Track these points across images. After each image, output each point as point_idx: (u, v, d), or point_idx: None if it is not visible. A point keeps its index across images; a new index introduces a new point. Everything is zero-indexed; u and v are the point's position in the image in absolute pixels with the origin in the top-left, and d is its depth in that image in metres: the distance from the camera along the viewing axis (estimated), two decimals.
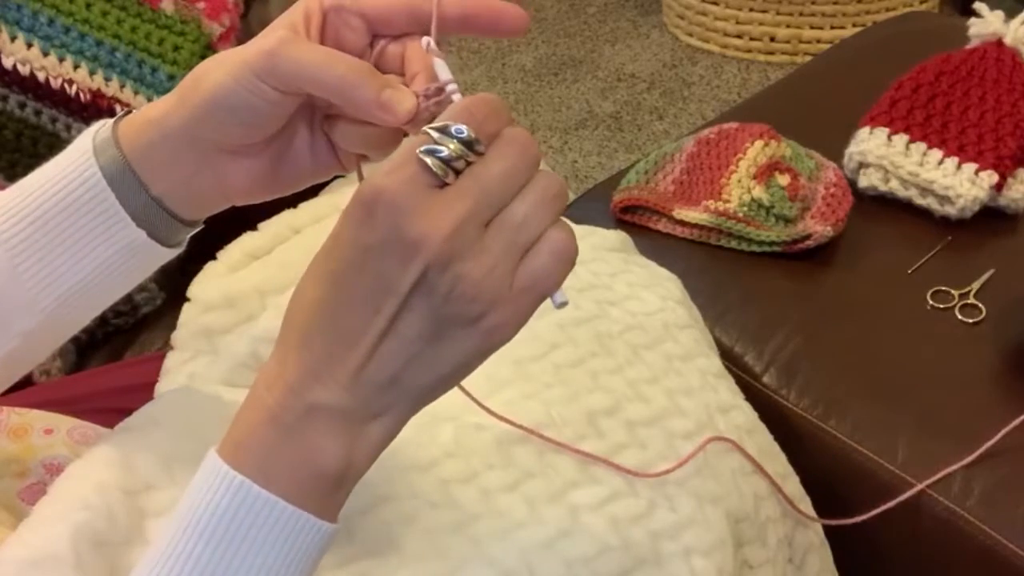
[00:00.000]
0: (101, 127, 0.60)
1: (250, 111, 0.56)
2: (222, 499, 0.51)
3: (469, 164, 0.48)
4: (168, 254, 0.63)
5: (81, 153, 0.60)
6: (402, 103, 0.53)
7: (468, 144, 0.48)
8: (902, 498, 0.94)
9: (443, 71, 0.54)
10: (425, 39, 0.55)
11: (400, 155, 0.48)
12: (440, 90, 0.54)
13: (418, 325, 0.49)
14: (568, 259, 0.51)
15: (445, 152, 0.48)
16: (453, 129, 0.48)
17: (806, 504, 0.91)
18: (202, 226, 0.65)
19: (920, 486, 0.95)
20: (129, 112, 0.61)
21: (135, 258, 0.62)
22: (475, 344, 0.51)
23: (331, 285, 0.50)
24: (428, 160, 0.47)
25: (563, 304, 0.52)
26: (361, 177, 0.60)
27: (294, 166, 0.61)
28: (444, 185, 0.48)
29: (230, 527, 0.51)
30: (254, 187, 0.61)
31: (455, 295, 0.48)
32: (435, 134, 0.48)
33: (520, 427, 0.75)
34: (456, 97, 0.53)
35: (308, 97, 0.58)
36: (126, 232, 0.60)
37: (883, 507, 0.94)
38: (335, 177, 0.63)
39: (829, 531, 0.92)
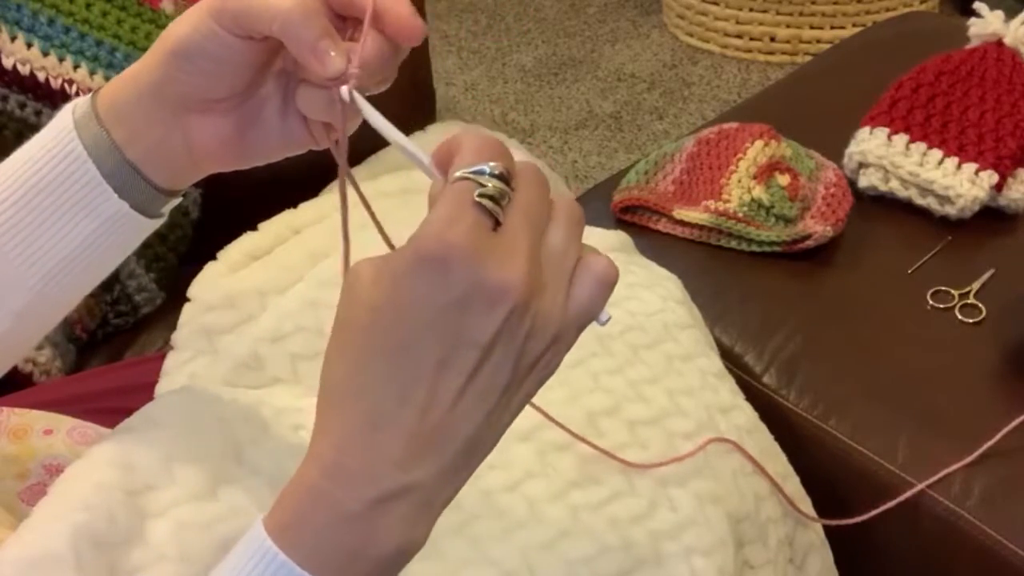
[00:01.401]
0: (79, 101, 0.61)
1: (210, 59, 0.57)
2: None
3: (509, 200, 0.48)
4: (150, 226, 0.63)
5: (62, 127, 0.60)
6: (334, 62, 0.53)
7: (505, 180, 0.48)
8: (902, 498, 0.94)
9: (373, 118, 0.53)
10: (344, 89, 0.53)
11: (452, 205, 0.47)
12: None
13: (498, 375, 0.48)
14: (611, 284, 0.51)
15: (491, 191, 0.47)
16: (487, 169, 0.48)
17: (807, 504, 0.91)
18: (180, 198, 0.65)
19: (920, 486, 0.95)
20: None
21: (119, 231, 0.62)
22: (537, 381, 0.50)
23: (399, 357, 0.47)
24: (485, 203, 0.47)
25: (607, 320, 0.51)
26: (340, 160, 0.57)
27: (263, 133, 0.61)
28: (497, 224, 0.48)
29: None
30: (223, 151, 0.61)
31: (533, 333, 0.48)
32: (474, 176, 0.47)
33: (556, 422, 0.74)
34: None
35: (279, 59, 0.59)
36: (108, 204, 0.60)
37: (883, 507, 0.94)
38: (334, 176, 0.63)
39: (829, 531, 0.92)
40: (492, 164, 0.48)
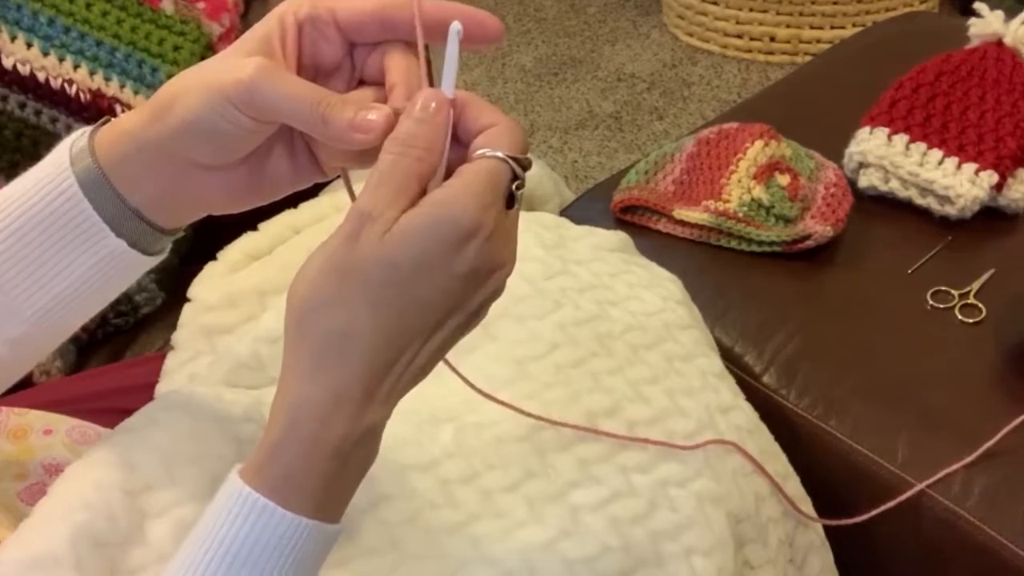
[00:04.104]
0: (78, 137, 0.60)
1: (226, 137, 0.56)
2: (296, 542, 0.52)
3: None
4: (150, 262, 0.63)
5: (58, 164, 0.59)
6: (375, 124, 0.53)
7: (527, 171, 0.52)
8: (902, 498, 0.94)
9: (449, 71, 0.54)
10: (455, 25, 0.54)
11: (490, 185, 0.51)
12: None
13: (468, 331, 0.54)
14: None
15: (523, 184, 0.52)
16: (524, 162, 0.52)
17: (807, 505, 0.91)
18: (183, 233, 0.64)
19: (920, 486, 0.95)
20: (107, 122, 0.60)
21: (117, 267, 0.61)
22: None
23: (408, 315, 0.51)
24: (516, 195, 0.52)
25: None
26: (351, 192, 0.59)
27: (274, 177, 0.60)
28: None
29: (291, 565, 0.52)
30: (233, 199, 0.61)
31: (501, 289, 0.54)
32: (515, 165, 0.51)
33: (533, 416, 0.75)
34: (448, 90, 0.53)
35: None
36: (106, 242, 0.60)
37: (883, 507, 0.94)
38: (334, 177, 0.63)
39: (829, 531, 0.92)
40: (527, 158, 0.52)
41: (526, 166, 0.52)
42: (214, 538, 0.52)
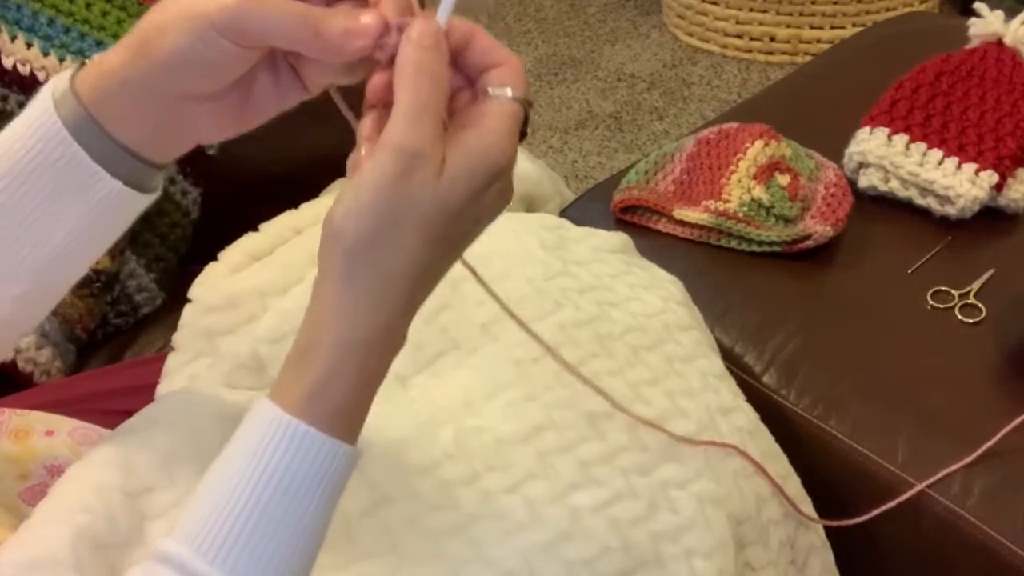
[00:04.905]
0: (58, 82, 0.59)
1: (212, 65, 0.56)
2: (337, 468, 0.54)
3: None
4: (146, 200, 0.62)
5: (42, 111, 0.58)
6: (369, 27, 0.54)
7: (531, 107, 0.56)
8: (902, 498, 0.94)
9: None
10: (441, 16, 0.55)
11: (510, 125, 0.54)
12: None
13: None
14: None
15: (529, 125, 0.56)
16: (529, 101, 0.55)
17: (807, 505, 0.91)
18: (175, 167, 0.64)
19: (920, 486, 0.95)
20: (84, 64, 0.59)
21: (114, 209, 0.61)
22: None
23: (453, 246, 0.55)
24: (526, 133, 0.55)
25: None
26: (345, 110, 0.60)
27: (261, 102, 0.60)
28: None
29: (331, 489, 0.55)
30: (222, 128, 0.61)
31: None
32: (524, 104, 0.55)
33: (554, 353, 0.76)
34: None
35: None
36: (101, 184, 0.59)
37: (883, 507, 0.94)
38: (335, 177, 0.63)
39: (830, 531, 0.92)
40: (530, 98, 0.55)
41: (531, 104, 0.56)
42: (259, 468, 0.52)
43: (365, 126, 0.55)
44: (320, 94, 0.61)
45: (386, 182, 0.51)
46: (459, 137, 0.53)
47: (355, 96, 0.60)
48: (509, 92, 0.54)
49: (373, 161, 0.52)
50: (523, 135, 0.56)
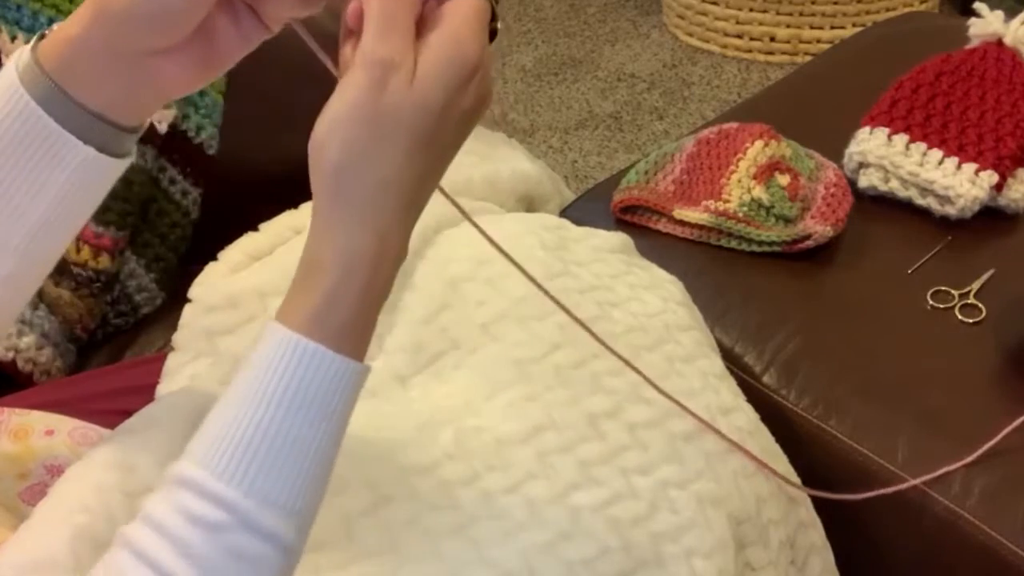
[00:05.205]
0: (19, 56, 0.59)
1: (171, 12, 0.56)
2: (347, 384, 0.55)
3: None
4: (121, 165, 0.62)
5: (8, 86, 0.58)
6: None
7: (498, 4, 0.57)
8: (902, 487, 0.94)
9: None
10: None
11: (479, 23, 0.54)
12: None
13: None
14: None
15: (498, 23, 0.56)
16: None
17: (806, 504, 0.91)
18: (144, 128, 0.64)
19: (914, 482, 0.94)
20: (43, 37, 0.59)
21: (91, 176, 0.61)
22: None
23: (437, 153, 0.55)
24: (496, 28, 0.56)
25: None
26: (310, 41, 0.60)
27: (224, 47, 0.61)
28: None
29: (341, 406, 0.55)
30: (190, 79, 0.61)
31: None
32: (492, 3, 0.55)
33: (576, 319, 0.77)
34: None
35: None
36: (75, 152, 0.59)
37: (878, 491, 0.94)
38: None
39: (830, 532, 0.92)
40: None
41: (498, 1, 0.56)
42: (268, 387, 0.53)
43: (346, 53, 0.56)
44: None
45: (361, 94, 0.53)
46: (427, 40, 0.54)
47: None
48: None
49: (347, 77, 0.53)
50: (493, 33, 0.56)
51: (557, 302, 0.74)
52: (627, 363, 0.78)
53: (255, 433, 0.52)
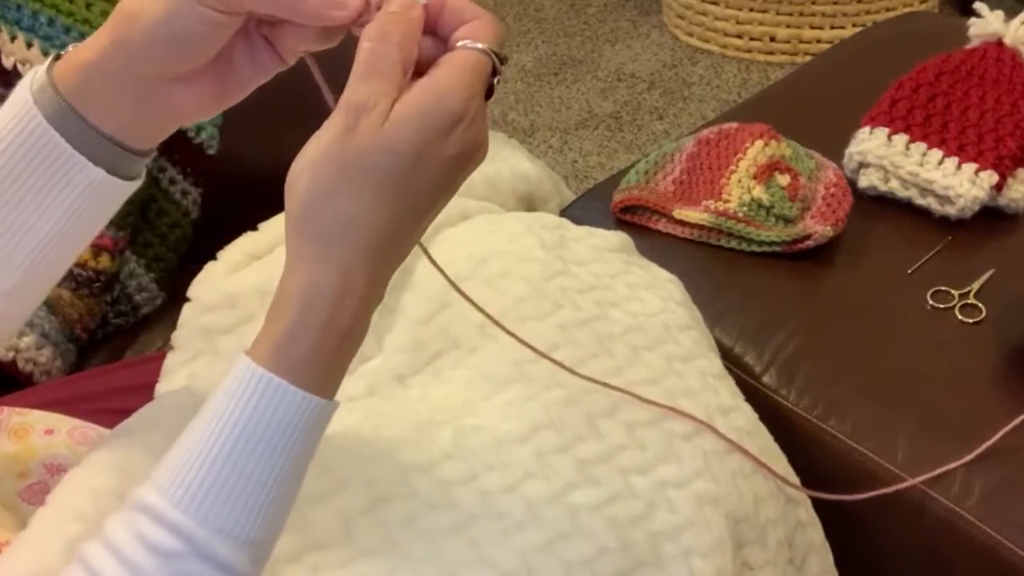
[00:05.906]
0: (34, 76, 0.60)
1: (192, 38, 0.57)
2: (307, 421, 0.55)
3: None
4: (130, 188, 0.63)
5: (22, 105, 0.59)
6: (352, 3, 0.55)
7: (504, 64, 0.56)
8: (894, 487, 0.94)
9: None
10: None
11: (475, 75, 0.54)
12: None
13: (447, 203, 0.57)
14: None
15: (501, 78, 0.56)
16: (504, 56, 0.56)
17: (806, 505, 0.91)
18: (156, 153, 0.65)
19: (913, 481, 0.94)
20: (59, 57, 0.60)
21: (99, 198, 0.61)
22: None
23: (408, 199, 0.54)
24: (495, 85, 0.55)
25: None
26: (317, 74, 0.60)
27: (239, 77, 0.61)
28: None
29: (301, 441, 0.55)
30: (203, 107, 0.62)
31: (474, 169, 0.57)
32: (496, 57, 0.55)
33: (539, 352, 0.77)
34: None
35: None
36: (85, 174, 0.60)
37: (877, 491, 0.94)
38: None
39: (829, 531, 0.92)
40: (503, 52, 0.55)
41: (504, 60, 0.56)
42: (228, 419, 0.53)
43: None
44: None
45: (332, 135, 0.53)
46: (412, 86, 0.54)
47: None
48: (478, 45, 0.55)
49: (327, 120, 0.54)
50: (490, 90, 0.56)
51: (492, 318, 0.74)
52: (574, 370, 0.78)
53: (213, 463, 0.53)
